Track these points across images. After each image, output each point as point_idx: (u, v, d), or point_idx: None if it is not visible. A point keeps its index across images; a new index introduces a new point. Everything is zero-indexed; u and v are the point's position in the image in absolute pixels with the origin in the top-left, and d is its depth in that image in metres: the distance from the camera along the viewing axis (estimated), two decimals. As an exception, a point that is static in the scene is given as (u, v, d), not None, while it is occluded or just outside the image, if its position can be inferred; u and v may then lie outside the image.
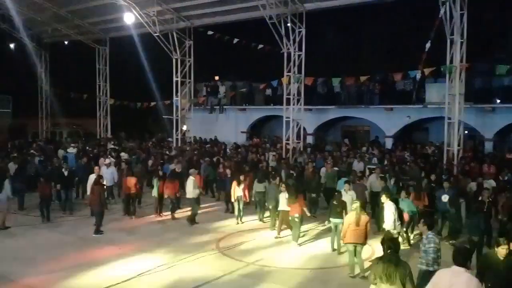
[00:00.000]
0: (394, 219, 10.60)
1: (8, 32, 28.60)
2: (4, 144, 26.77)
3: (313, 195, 15.28)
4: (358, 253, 9.62)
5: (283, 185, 12.97)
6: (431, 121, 23.14)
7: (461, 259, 5.68)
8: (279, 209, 12.67)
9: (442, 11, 16.39)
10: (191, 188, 14.23)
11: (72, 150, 22.12)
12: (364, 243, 9.67)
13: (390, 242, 6.73)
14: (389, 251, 6.50)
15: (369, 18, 29.26)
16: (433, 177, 14.42)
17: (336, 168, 16.84)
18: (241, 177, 14.45)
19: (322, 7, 21.07)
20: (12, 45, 29.72)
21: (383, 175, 14.24)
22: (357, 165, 17.73)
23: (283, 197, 12.53)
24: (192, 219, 14.10)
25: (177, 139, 26.39)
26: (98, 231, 12.88)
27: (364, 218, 9.60)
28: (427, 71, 18.89)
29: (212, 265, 10.45)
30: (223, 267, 10.30)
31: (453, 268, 5.67)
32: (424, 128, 24.99)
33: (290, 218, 12.08)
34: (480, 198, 11.77)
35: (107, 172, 16.15)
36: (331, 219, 11.68)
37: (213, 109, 29.38)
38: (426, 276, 7.37)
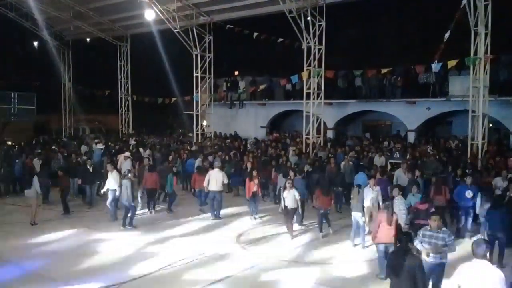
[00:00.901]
0: (405, 214, 10.49)
1: (31, 30, 29.15)
2: (29, 140, 27.31)
3: (340, 189, 15.16)
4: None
5: (290, 182, 12.56)
6: (455, 115, 22.72)
7: (480, 252, 5.67)
8: (290, 207, 12.22)
9: (464, 1, 16.02)
10: (220, 181, 14.32)
11: (101, 146, 22.50)
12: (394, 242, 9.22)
13: (400, 236, 6.87)
14: (398, 244, 6.71)
15: (390, 10, 28.79)
16: (459, 171, 14.17)
17: (351, 162, 16.67)
18: (254, 173, 14.40)
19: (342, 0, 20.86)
20: (35, 43, 30.25)
21: (411, 169, 14.12)
22: (379, 160, 17.52)
23: (292, 194, 12.19)
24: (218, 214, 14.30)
25: (197, 134, 26.53)
26: (130, 224, 13.19)
27: (395, 216, 9.41)
28: (450, 63, 18.51)
29: (232, 259, 10.47)
30: (244, 261, 10.32)
31: (475, 261, 5.66)
32: (448, 122, 24.56)
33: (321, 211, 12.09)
34: (508, 193, 11.53)
35: (126, 166, 16.49)
36: (352, 213, 11.59)
37: (233, 104, 29.42)
38: (439, 268, 7.59)
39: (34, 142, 26.77)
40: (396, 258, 6.71)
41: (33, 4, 25.22)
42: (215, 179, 14.24)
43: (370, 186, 12.12)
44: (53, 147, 22.99)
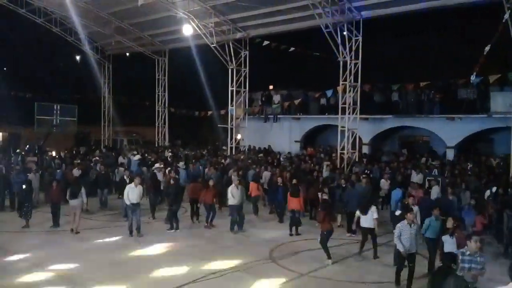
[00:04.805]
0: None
1: (74, 44, 30.28)
2: (70, 151, 28.12)
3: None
4: None
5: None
6: (497, 132, 21.96)
7: None
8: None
9: (506, 16, 15.57)
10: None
11: (138, 157, 22.91)
12: None
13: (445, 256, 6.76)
14: (442, 264, 6.65)
15: (429, 24, 28.23)
16: (500, 190, 13.67)
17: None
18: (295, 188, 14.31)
19: (379, 14, 20.67)
20: (77, 57, 31.39)
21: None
22: (416, 177, 17.10)
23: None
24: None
25: (231, 147, 26.69)
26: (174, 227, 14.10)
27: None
28: (492, 78, 17.97)
29: (264, 274, 10.36)
30: (276, 276, 10.20)
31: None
32: (489, 139, 23.75)
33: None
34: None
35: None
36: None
37: (267, 118, 29.50)
38: None
39: (74, 152, 27.58)
40: (433, 276, 6.59)
41: (77, 20, 26.23)
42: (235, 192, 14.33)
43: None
44: (96, 157, 23.57)
